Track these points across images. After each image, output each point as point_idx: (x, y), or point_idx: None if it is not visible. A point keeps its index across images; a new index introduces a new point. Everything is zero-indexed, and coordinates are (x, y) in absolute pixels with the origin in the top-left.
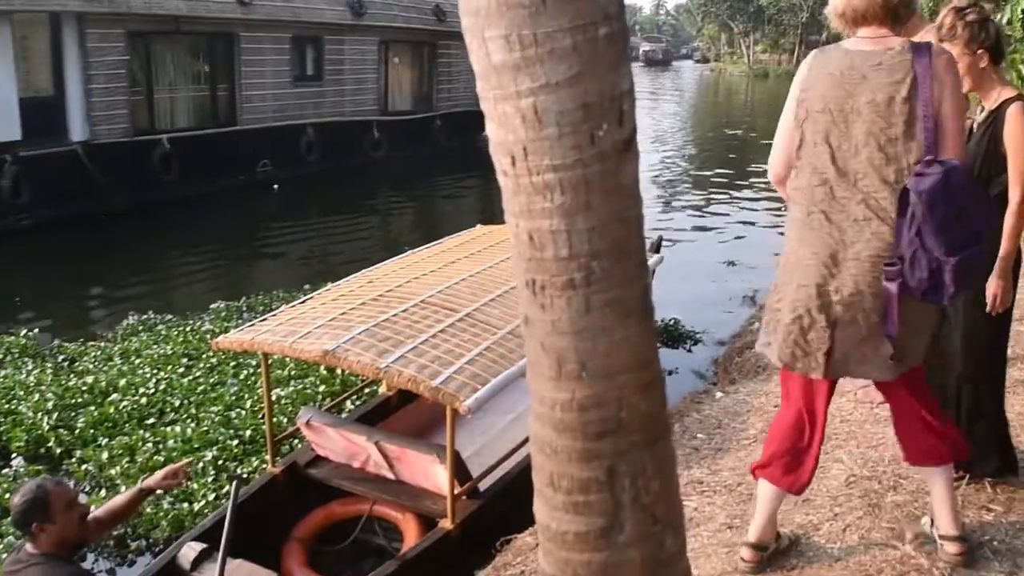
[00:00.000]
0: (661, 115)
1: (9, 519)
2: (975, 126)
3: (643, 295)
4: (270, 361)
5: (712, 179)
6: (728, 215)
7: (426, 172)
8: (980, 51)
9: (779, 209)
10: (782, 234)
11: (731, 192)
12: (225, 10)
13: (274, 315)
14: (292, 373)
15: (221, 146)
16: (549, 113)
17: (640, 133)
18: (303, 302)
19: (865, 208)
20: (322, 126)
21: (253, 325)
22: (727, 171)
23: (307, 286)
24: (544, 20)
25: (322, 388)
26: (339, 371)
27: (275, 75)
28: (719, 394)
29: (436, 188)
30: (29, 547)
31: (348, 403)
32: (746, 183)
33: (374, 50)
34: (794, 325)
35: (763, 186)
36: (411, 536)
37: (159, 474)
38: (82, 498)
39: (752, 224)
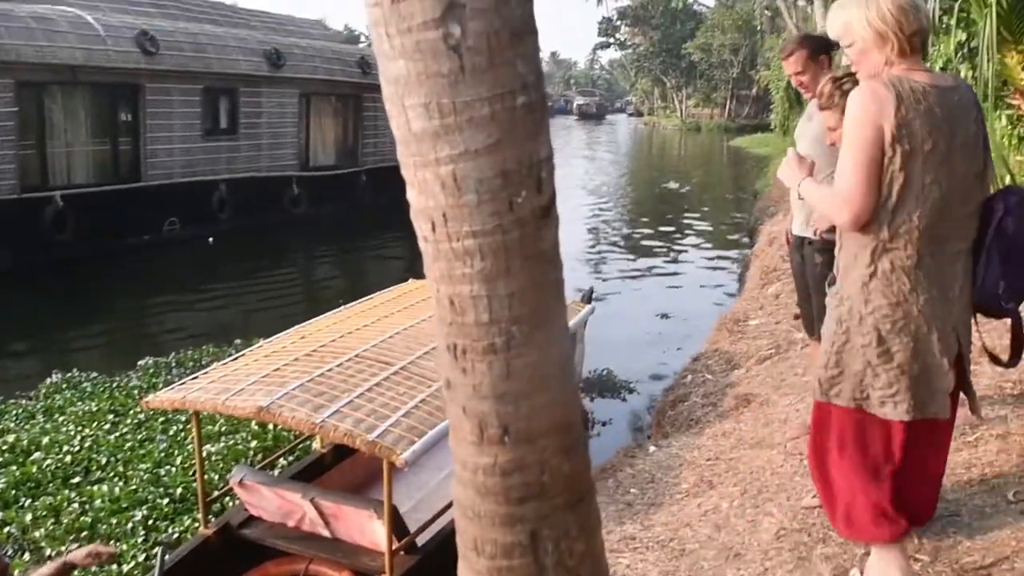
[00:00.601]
0: (597, 168)
1: None
2: None
3: (564, 359)
4: (201, 416)
5: (646, 231)
6: (662, 267)
7: (350, 229)
8: None
9: (714, 261)
10: (720, 286)
11: (665, 244)
12: (128, 60)
13: (205, 372)
14: (223, 429)
15: (123, 203)
16: (468, 180)
17: (576, 185)
18: (235, 359)
19: (959, 242)
20: (236, 182)
21: (184, 383)
22: (661, 223)
23: (238, 341)
24: (463, 89)
25: (254, 444)
26: (271, 427)
27: (184, 128)
28: (652, 448)
29: (360, 245)
30: None
31: (281, 460)
32: (680, 235)
33: (294, 103)
34: (924, 372)
35: (696, 239)
36: None
37: (83, 551)
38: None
39: (684, 275)
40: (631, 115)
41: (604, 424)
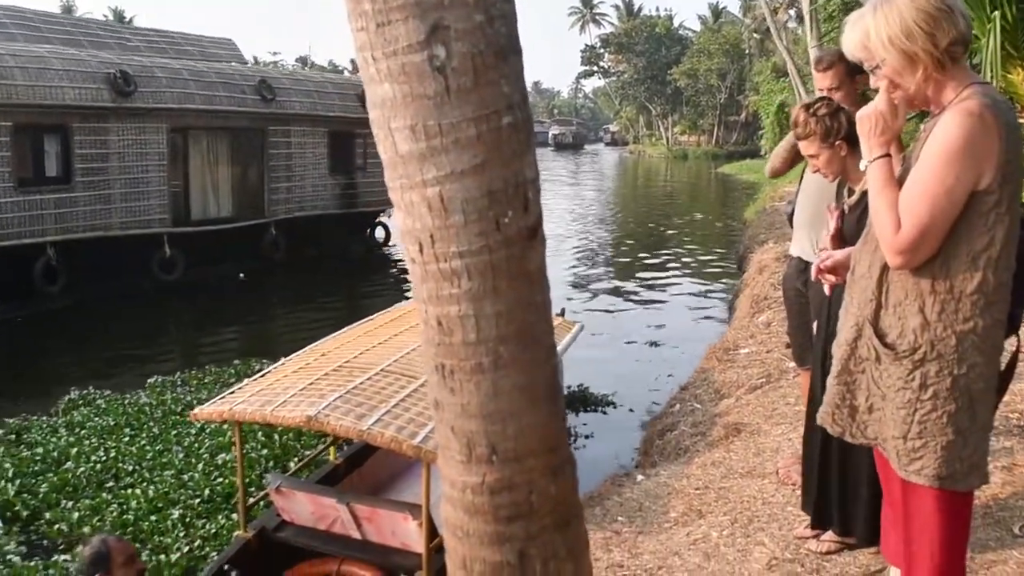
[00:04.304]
0: (582, 197)
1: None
2: (847, 208)
3: (551, 379)
4: (210, 428)
5: (634, 260)
6: (650, 296)
7: (249, 295)
8: (838, 142)
9: (703, 290)
10: (709, 314)
11: (654, 273)
12: None
13: (241, 388)
14: (232, 440)
15: None
16: (455, 201)
17: (563, 213)
18: (264, 375)
19: None
20: (72, 244)
21: (223, 397)
22: (649, 252)
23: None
24: (448, 110)
25: (264, 452)
26: (277, 437)
27: None
28: (640, 477)
29: (261, 318)
30: None
31: (291, 466)
32: (668, 264)
33: (160, 140)
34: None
35: (685, 268)
36: None
37: None
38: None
39: (673, 304)
40: (608, 144)
41: (591, 452)
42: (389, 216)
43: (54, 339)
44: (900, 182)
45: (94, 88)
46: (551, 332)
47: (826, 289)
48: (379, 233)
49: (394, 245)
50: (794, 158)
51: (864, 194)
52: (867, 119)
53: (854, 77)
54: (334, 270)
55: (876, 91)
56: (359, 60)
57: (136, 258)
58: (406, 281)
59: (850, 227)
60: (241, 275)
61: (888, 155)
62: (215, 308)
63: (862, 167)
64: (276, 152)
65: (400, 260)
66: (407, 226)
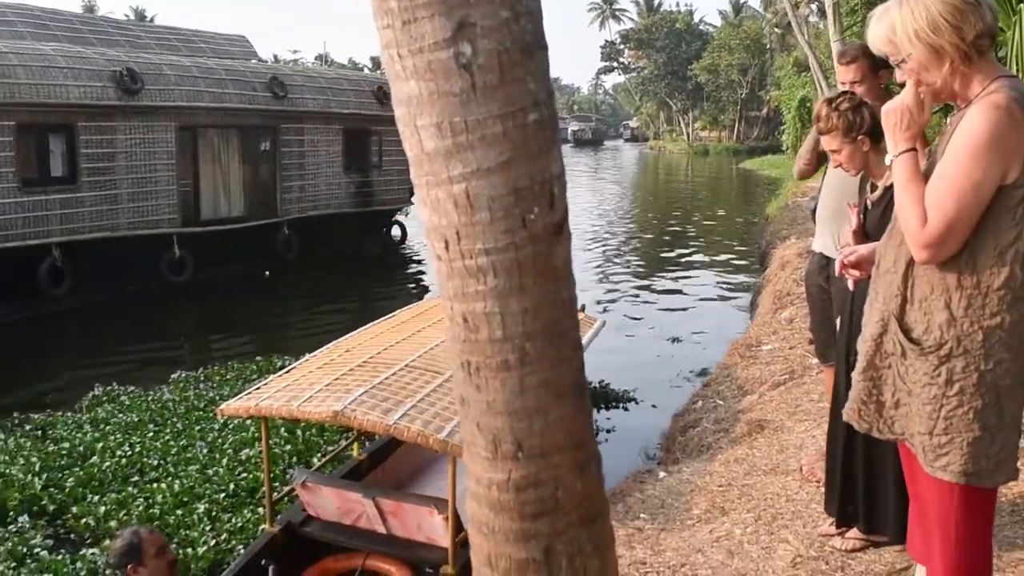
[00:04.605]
0: (603, 193)
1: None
2: (869, 204)
3: (577, 375)
4: (233, 423)
5: (656, 256)
6: (672, 292)
7: (263, 297)
8: (860, 137)
9: (725, 286)
10: (731, 311)
11: (675, 269)
12: None
13: (267, 383)
14: (255, 435)
15: None
16: (481, 198)
17: (584, 210)
18: (288, 371)
19: None
20: (77, 245)
21: (250, 393)
22: (670, 248)
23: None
24: (474, 107)
25: (288, 448)
26: (299, 432)
27: None
28: (662, 474)
29: (275, 319)
30: None
31: (314, 461)
32: (690, 260)
33: (169, 139)
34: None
35: (707, 264)
36: None
37: None
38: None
39: (695, 300)
40: (627, 140)
41: (613, 448)
42: (406, 215)
43: (64, 340)
44: (925, 177)
45: (100, 86)
46: (577, 328)
47: (850, 284)
48: (395, 232)
49: (411, 244)
50: (819, 157)
51: (887, 189)
52: (892, 113)
53: (877, 72)
54: (349, 270)
55: (900, 86)
56: (384, 57)
57: (144, 259)
58: (423, 281)
59: (873, 222)
60: (267, 272)
61: (914, 149)
62: (226, 309)
63: (887, 162)
64: (289, 150)
65: (417, 260)
66: (433, 223)
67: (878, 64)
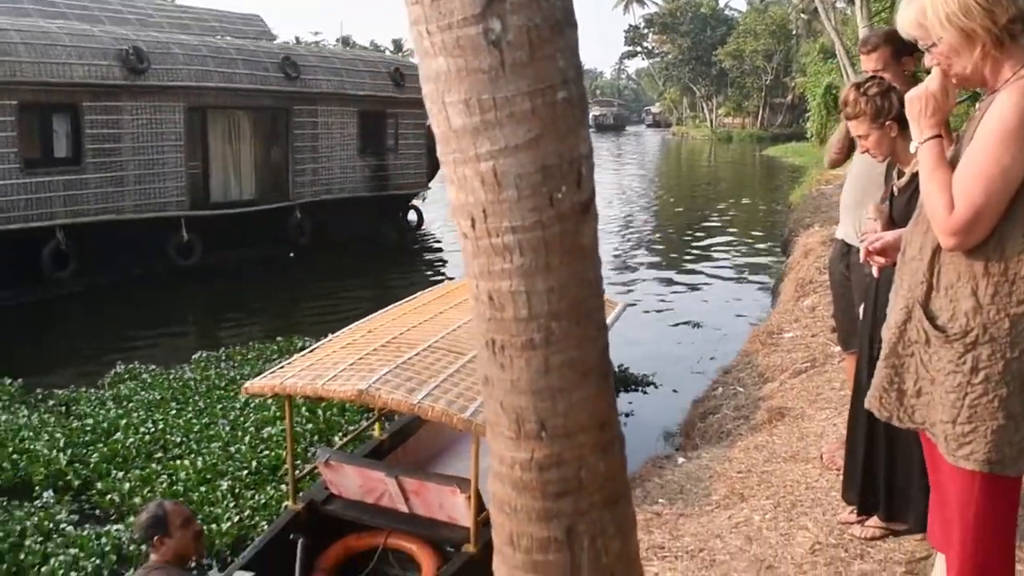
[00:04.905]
0: (625, 179)
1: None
2: (895, 190)
3: (602, 356)
4: (255, 402)
5: (678, 242)
6: (694, 278)
7: (273, 283)
8: (888, 123)
9: (746, 273)
10: (752, 297)
11: (697, 255)
12: None
13: (291, 362)
14: (277, 414)
15: None
16: (508, 176)
17: (606, 195)
18: (312, 351)
19: None
20: (82, 228)
21: (274, 372)
22: (692, 234)
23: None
24: (503, 84)
25: (309, 427)
26: (321, 412)
27: None
28: (681, 459)
29: (285, 305)
30: (153, 557)
31: (335, 440)
32: (712, 247)
33: (177, 120)
34: None
35: (729, 250)
36: (427, 564)
37: None
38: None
39: (716, 287)
40: (649, 126)
41: (631, 432)
42: (423, 200)
43: (69, 323)
44: (952, 164)
45: (105, 65)
46: (602, 308)
47: (874, 271)
48: (411, 217)
49: (427, 230)
50: (850, 145)
51: (914, 176)
52: (917, 100)
53: (900, 59)
54: (364, 255)
55: (926, 72)
56: (413, 34)
57: (152, 242)
58: (439, 267)
59: (899, 209)
60: (291, 254)
61: (939, 136)
62: (236, 293)
63: (912, 149)
64: (301, 132)
65: (433, 246)
66: (459, 201)
67: (900, 51)
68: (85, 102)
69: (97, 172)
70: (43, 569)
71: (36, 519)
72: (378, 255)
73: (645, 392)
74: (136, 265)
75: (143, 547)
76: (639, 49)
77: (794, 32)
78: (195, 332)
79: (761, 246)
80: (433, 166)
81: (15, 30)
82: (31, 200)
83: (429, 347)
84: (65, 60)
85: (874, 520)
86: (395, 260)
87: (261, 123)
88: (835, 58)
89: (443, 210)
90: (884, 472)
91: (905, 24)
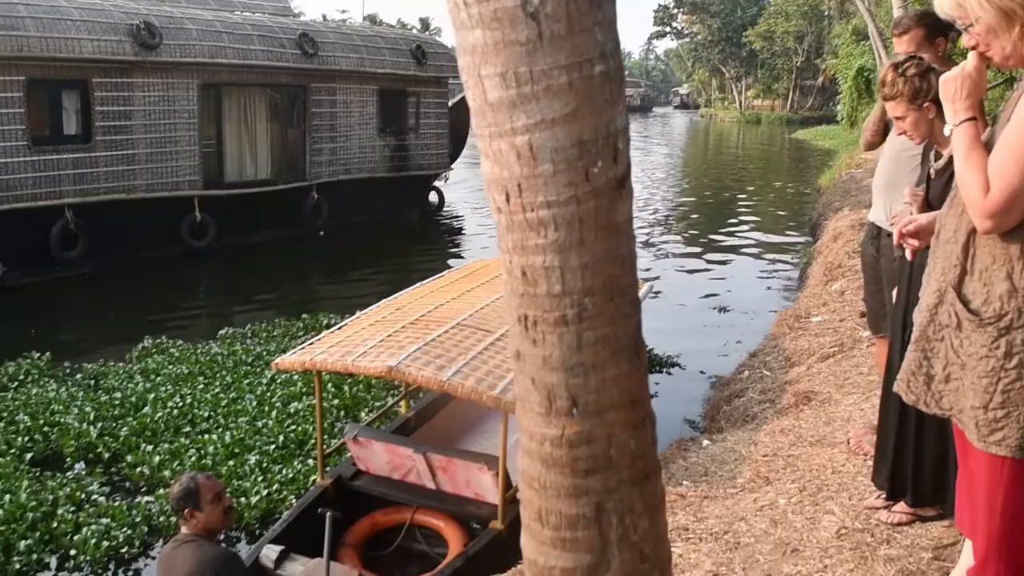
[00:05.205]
0: (652, 161)
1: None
2: (933, 172)
3: (635, 333)
4: (281, 378)
5: (705, 224)
6: (721, 260)
7: (289, 265)
8: (926, 104)
9: (774, 256)
10: (780, 281)
11: (724, 238)
12: None
13: (320, 339)
14: (303, 390)
15: None
16: (544, 150)
17: (633, 175)
18: (340, 328)
19: None
20: (91, 208)
21: (303, 348)
22: (719, 217)
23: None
24: (540, 57)
25: (336, 402)
26: (346, 388)
27: None
28: (706, 442)
29: (300, 288)
30: (184, 529)
31: (361, 416)
32: (739, 230)
33: (190, 97)
34: None
35: (756, 233)
36: (454, 540)
37: None
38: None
39: (743, 270)
40: (676, 107)
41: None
42: (445, 181)
43: (76, 305)
44: (987, 147)
45: (115, 40)
46: (636, 286)
47: (908, 254)
48: (432, 198)
49: (449, 212)
50: (885, 128)
51: (952, 159)
52: (951, 82)
53: (934, 40)
54: (383, 237)
55: (962, 54)
56: (449, 6)
57: (164, 223)
58: (461, 249)
59: (936, 192)
60: (321, 232)
61: (974, 118)
62: (250, 274)
63: (946, 132)
64: (319, 111)
65: (455, 227)
66: (494, 175)
67: (933, 33)
68: (95, 78)
69: (108, 150)
70: (75, 538)
71: (68, 490)
72: (398, 237)
73: (670, 374)
74: (148, 246)
75: (173, 518)
76: (668, 29)
77: (826, 13)
78: (210, 313)
79: (789, 230)
80: (456, 147)
81: (22, 4)
82: (39, 178)
83: (457, 325)
84: (74, 35)
85: (901, 506)
86: (415, 242)
87: (277, 101)
88: (868, 40)
89: (465, 192)
90: (913, 458)
91: (943, 3)
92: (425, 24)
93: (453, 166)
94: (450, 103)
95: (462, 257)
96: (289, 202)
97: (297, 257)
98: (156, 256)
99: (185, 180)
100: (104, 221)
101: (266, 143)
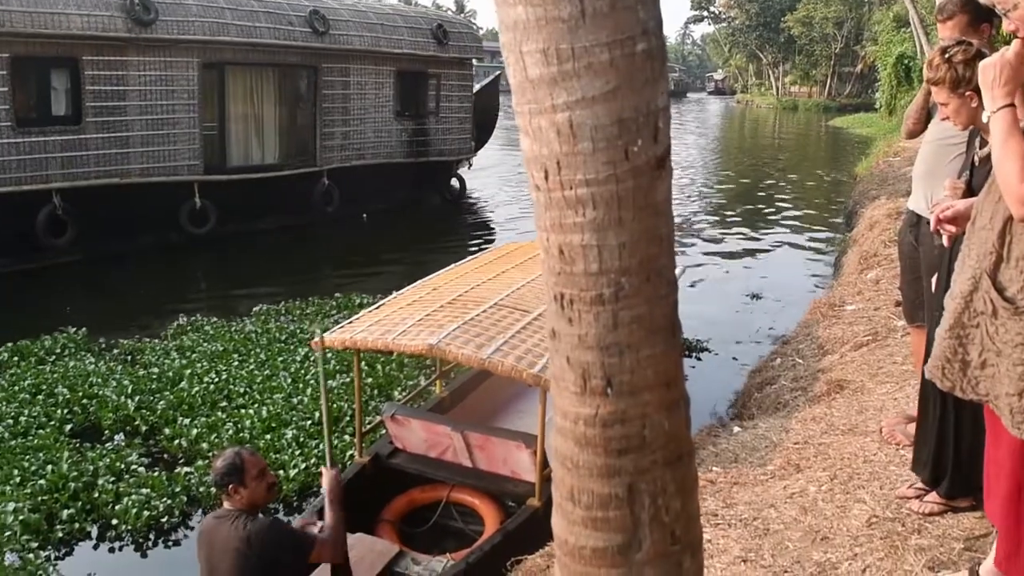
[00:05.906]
0: (686, 146)
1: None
2: (977, 160)
3: (671, 314)
4: (314, 355)
5: (738, 211)
6: (754, 247)
7: (294, 255)
8: (968, 93)
9: (808, 244)
10: (814, 270)
11: (758, 225)
12: None
13: (359, 318)
14: (336, 368)
15: None
16: (584, 127)
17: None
18: (378, 307)
19: None
20: (81, 192)
21: (342, 327)
22: (754, 204)
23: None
24: (582, 34)
25: (369, 381)
26: (379, 367)
27: None
28: (736, 428)
29: (309, 278)
30: (227, 504)
31: (394, 395)
32: (774, 217)
33: (190, 77)
34: None
35: (791, 221)
36: (490, 518)
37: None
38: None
39: (777, 257)
40: (711, 93)
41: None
42: (469, 167)
43: (63, 294)
44: None
45: (107, 16)
46: (673, 266)
47: (944, 240)
48: (453, 183)
49: (470, 199)
50: (928, 115)
51: None
52: (990, 69)
53: (979, 25)
54: (400, 226)
55: (1006, 41)
56: None
57: (161, 209)
58: (482, 238)
59: (980, 179)
60: (364, 215)
61: (1012, 105)
62: (250, 262)
63: (984, 119)
64: (331, 92)
65: (477, 216)
66: (533, 152)
67: (978, 18)
68: (86, 56)
69: (99, 132)
70: (116, 507)
71: (107, 460)
72: (416, 227)
73: (700, 359)
74: (143, 233)
75: (212, 489)
76: (705, 14)
77: None
78: (224, 297)
79: (824, 218)
80: (483, 133)
81: None
82: (24, 161)
83: (495, 305)
84: (62, 10)
85: (932, 496)
86: (435, 229)
87: (285, 82)
88: (909, 27)
89: (487, 178)
90: (952, 449)
91: None
92: (460, 6)
93: (478, 153)
94: (477, 87)
95: (483, 248)
96: (298, 188)
97: (308, 244)
98: (154, 244)
99: (184, 164)
100: (96, 207)
101: (273, 126)
